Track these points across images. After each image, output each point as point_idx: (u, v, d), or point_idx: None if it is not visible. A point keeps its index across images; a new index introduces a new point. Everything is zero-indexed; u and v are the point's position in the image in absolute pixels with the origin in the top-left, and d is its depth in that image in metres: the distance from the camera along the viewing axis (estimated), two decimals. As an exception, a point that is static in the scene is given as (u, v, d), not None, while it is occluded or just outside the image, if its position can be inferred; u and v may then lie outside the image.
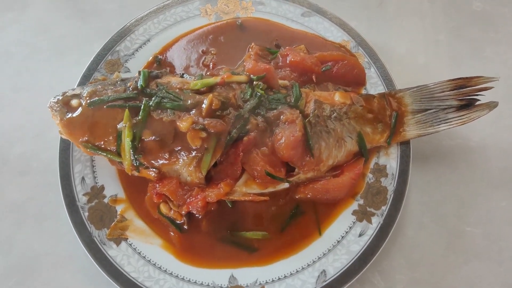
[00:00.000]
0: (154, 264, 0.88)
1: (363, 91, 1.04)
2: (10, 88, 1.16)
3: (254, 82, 0.92)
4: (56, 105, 0.87)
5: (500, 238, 0.97)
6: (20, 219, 1.00)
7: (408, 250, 0.95)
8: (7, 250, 0.97)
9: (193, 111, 0.85)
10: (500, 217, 0.99)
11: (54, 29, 1.25)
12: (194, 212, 0.88)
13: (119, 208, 0.94)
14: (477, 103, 0.95)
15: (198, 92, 0.89)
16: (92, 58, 1.06)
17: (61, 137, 0.94)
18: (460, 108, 0.95)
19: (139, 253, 0.89)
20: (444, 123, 0.95)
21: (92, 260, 0.87)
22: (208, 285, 0.86)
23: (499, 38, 1.23)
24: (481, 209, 1.00)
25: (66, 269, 0.95)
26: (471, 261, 0.94)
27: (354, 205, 0.93)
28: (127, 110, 0.85)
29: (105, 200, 0.94)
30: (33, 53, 1.21)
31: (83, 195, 0.93)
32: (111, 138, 0.86)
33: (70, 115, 0.86)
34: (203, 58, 1.09)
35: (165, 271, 0.88)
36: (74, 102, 0.87)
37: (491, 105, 0.93)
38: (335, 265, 0.87)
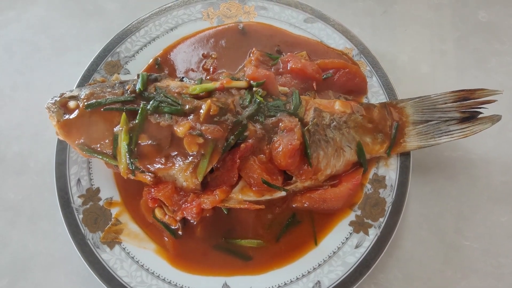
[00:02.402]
0: (147, 269, 0.88)
1: (364, 100, 1.03)
2: (9, 86, 1.16)
3: (254, 89, 0.91)
4: (54, 106, 0.87)
5: (500, 254, 0.95)
6: (14, 219, 1.00)
7: (405, 263, 0.94)
8: (0, 249, 0.96)
9: (191, 116, 0.84)
10: (500, 232, 0.97)
11: (55, 28, 1.25)
12: (189, 218, 0.87)
13: (114, 211, 0.93)
14: (480, 116, 0.93)
15: (196, 97, 0.88)
16: (92, 59, 1.06)
17: (58, 138, 0.93)
18: (463, 120, 0.94)
19: (133, 257, 0.89)
20: (445, 135, 0.93)
21: (85, 263, 0.86)
22: (201, 292, 0.86)
23: (505, 49, 1.21)
24: (480, 223, 0.98)
25: (59, 270, 0.94)
26: (469, 276, 0.93)
27: (351, 216, 0.92)
28: (124, 113, 0.84)
29: (100, 203, 0.93)
30: (33, 52, 1.21)
31: (78, 197, 0.93)
32: (107, 141, 0.85)
33: (67, 116, 0.86)
34: (203, 62, 1.09)
35: (158, 276, 0.87)
36: (72, 103, 0.87)
37: (494, 119, 0.92)
38: (330, 276, 0.86)
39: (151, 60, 1.08)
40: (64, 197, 0.92)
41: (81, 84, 1.02)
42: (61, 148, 0.96)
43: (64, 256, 0.95)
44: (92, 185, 0.95)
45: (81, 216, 0.91)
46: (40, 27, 1.25)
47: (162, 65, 1.08)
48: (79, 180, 0.94)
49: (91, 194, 0.94)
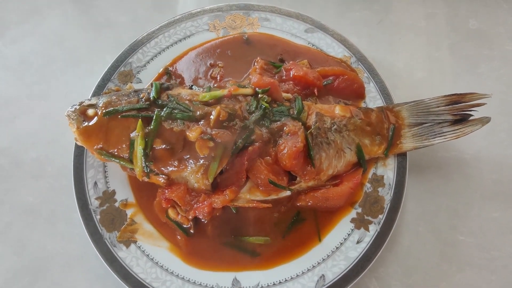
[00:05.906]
0: (162, 266, 0.92)
1: (363, 105, 1.09)
2: (26, 95, 1.22)
3: (259, 95, 0.97)
4: (73, 114, 0.92)
5: (493, 248, 1.00)
6: (33, 221, 1.04)
7: (403, 258, 0.99)
8: (20, 250, 1.01)
9: (201, 122, 0.90)
10: (492, 228, 1.02)
11: (69, 40, 1.31)
12: (200, 217, 0.92)
13: (129, 212, 0.98)
14: (471, 118, 0.99)
15: (206, 103, 0.94)
16: (106, 69, 1.11)
17: (75, 144, 0.99)
18: (455, 122, 0.99)
19: (148, 255, 0.94)
20: (439, 136, 0.99)
21: (103, 261, 0.91)
22: (212, 287, 0.90)
23: (493, 55, 1.27)
24: (474, 219, 1.03)
25: (76, 269, 0.99)
26: (464, 269, 0.98)
27: (352, 213, 0.97)
28: (140, 120, 0.90)
29: (116, 204, 0.98)
30: (49, 63, 1.27)
31: (95, 199, 0.98)
32: (124, 146, 0.91)
33: (86, 123, 0.91)
34: (211, 71, 1.14)
35: (172, 273, 0.92)
36: (91, 111, 0.92)
37: (484, 120, 0.98)
38: (334, 270, 0.91)
39: (161, 70, 1.14)
40: (82, 199, 0.97)
41: (96, 93, 1.07)
42: (78, 154, 1.01)
43: (81, 255, 1.00)
44: (108, 187, 1.00)
45: (98, 217, 0.96)
46: (54, 39, 1.31)
47: (172, 74, 1.14)
48: (95, 183, 0.99)
49: (107, 196, 0.99)
